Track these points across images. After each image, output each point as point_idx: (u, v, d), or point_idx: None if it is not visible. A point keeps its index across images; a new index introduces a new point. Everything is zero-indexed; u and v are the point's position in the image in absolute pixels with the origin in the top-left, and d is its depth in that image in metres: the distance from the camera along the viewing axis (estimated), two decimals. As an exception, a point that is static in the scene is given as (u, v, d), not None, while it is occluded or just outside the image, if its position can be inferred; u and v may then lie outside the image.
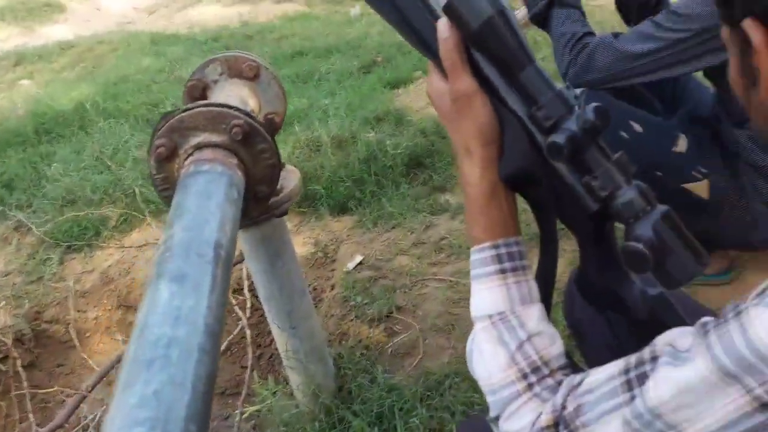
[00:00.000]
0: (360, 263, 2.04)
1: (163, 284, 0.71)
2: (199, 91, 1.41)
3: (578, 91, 1.46)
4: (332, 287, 2.03)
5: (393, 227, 2.15)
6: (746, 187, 1.32)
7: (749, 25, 0.53)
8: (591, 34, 1.39)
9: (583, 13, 1.44)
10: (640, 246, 0.53)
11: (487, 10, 0.58)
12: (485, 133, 0.63)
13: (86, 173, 2.57)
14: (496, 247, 0.64)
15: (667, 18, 1.25)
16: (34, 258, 2.28)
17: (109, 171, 2.57)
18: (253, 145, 1.10)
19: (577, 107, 0.57)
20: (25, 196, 2.51)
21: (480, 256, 0.65)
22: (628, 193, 0.55)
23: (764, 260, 1.63)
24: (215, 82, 1.42)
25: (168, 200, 1.07)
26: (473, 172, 0.64)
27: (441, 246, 2.00)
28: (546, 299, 0.65)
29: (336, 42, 3.78)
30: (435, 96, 0.67)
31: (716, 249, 1.53)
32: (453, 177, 2.32)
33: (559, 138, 0.55)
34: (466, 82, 0.62)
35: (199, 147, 1.08)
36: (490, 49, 0.60)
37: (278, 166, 1.15)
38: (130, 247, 2.27)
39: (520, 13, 3.56)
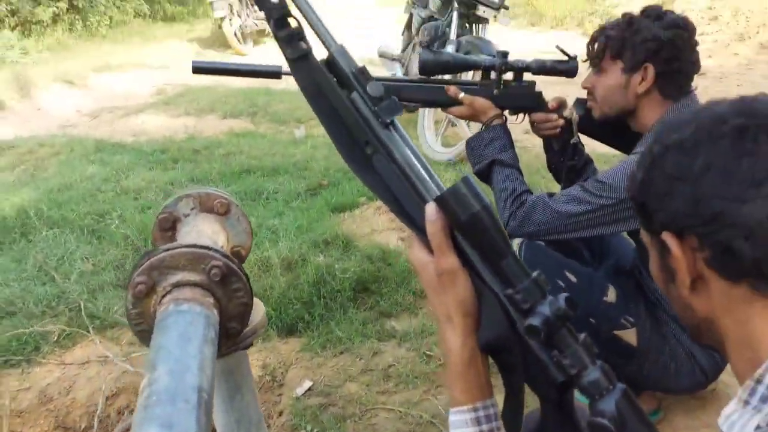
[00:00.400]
0: (309, 389, 2.09)
1: (153, 431, 0.79)
2: (169, 223, 1.49)
3: (517, 240, 1.65)
4: (280, 413, 2.05)
5: (341, 352, 2.23)
6: (668, 335, 1.51)
7: (667, 237, 0.68)
8: (528, 191, 1.60)
9: (520, 172, 1.65)
10: (605, 421, 0.64)
11: (474, 206, 0.69)
12: (467, 305, 0.73)
13: (28, 284, 2.54)
14: (475, 410, 0.74)
15: (594, 185, 1.46)
16: (-35, 373, 2.19)
17: (53, 283, 2.54)
18: (228, 285, 1.19)
19: (548, 294, 0.69)
20: (-40, 306, 2.44)
21: (460, 417, 0.74)
22: (593, 373, 0.66)
23: (689, 402, 1.80)
24: (186, 215, 1.51)
25: (141, 335, 1.14)
26: (455, 340, 0.73)
27: (389, 374, 2.09)
28: None
29: (282, 162, 3.96)
30: (418, 265, 0.77)
31: (644, 390, 1.69)
32: (399, 304, 2.45)
33: (535, 321, 0.66)
34: (450, 260, 0.72)
35: (177, 285, 1.16)
36: (474, 238, 0.71)
37: (250, 304, 1.24)
38: (72, 364, 2.23)
39: (455, 150, 3.87)
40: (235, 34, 8.51)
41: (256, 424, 1.53)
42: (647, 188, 0.70)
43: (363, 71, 0.75)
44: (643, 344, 1.49)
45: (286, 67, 1.63)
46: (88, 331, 2.31)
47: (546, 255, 1.59)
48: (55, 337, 2.31)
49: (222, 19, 8.13)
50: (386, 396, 2.01)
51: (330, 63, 0.77)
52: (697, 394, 1.80)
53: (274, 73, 1.61)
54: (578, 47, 1.71)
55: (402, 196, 0.76)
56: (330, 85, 0.76)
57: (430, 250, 0.74)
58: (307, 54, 0.78)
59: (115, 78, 7.23)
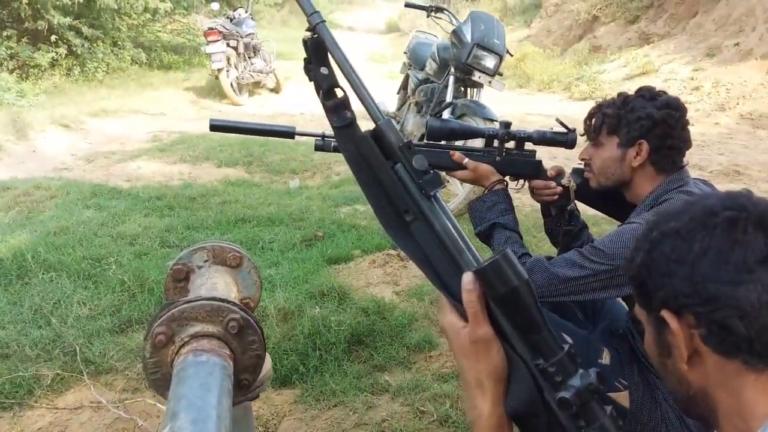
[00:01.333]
0: (303, 441, 2.10)
1: None
2: (183, 274, 1.54)
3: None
4: (273, 465, 2.06)
5: (335, 405, 2.25)
6: (659, 398, 1.56)
7: (666, 314, 0.74)
8: (528, 254, 1.67)
9: (520, 236, 1.73)
10: None
11: (514, 280, 0.72)
12: (498, 373, 0.76)
13: (24, 327, 2.54)
14: None
15: (591, 252, 1.54)
16: (-44, 415, 2.17)
17: (49, 326, 2.55)
18: (244, 337, 1.24)
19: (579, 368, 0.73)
20: (-46, 347, 2.43)
21: None
22: None
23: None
24: (199, 267, 1.57)
25: (156, 383, 1.17)
26: (485, 406, 0.77)
27: (383, 428, 2.11)
28: None
29: (278, 212, 4.02)
30: (451, 331, 0.80)
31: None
32: (393, 357, 2.48)
33: (567, 394, 0.70)
34: (485, 329, 0.76)
35: (196, 336, 1.21)
36: (511, 310, 0.74)
37: (263, 356, 1.28)
38: (65, 408, 2.22)
39: (453, 204, 3.96)
40: (232, 85, 8.69)
41: (256, 476, 1.55)
42: (647, 269, 0.76)
43: (409, 145, 0.81)
44: (636, 407, 1.54)
45: (299, 127, 1.71)
46: (83, 376, 2.32)
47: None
48: (49, 381, 2.30)
49: (219, 70, 8.32)
50: (380, 451, 2.03)
51: (376, 134, 0.82)
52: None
53: (289, 134, 1.69)
54: (565, 110, 1.82)
55: (438, 263, 0.80)
56: (374, 153, 0.82)
57: (462, 316, 0.78)
58: (352, 123, 0.84)
59: (110, 123, 7.32)
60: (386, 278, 3.14)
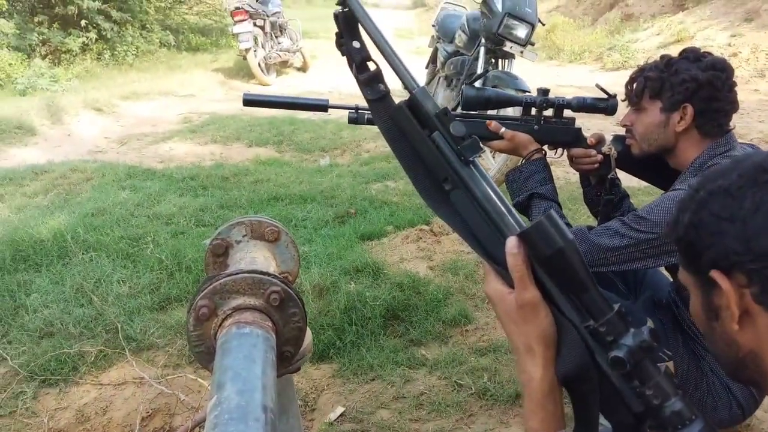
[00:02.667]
0: (341, 415, 2.11)
1: None
2: (222, 249, 1.55)
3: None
4: (314, 437, 2.08)
5: (373, 379, 2.26)
6: (705, 369, 1.53)
7: (715, 274, 0.71)
8: (568, 225, 1.64)
9: (559, 206, 1.70)
10: None
11: (559, 241, 0.70)
12: (547, 337, 0.75)
13: (67, 305, 2.60)
14: None
15: (634, 220, 1.50)
16: (6, 390, 2.24)
17: (90, 305, 2.60)
18: (285, 309, 1.24)
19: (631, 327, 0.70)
20: (1, 326, 2.50)
21: None
22: (677, 404, 0.68)
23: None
24: (238, 242, 1.58)
25: (200, 356, 1.18)
26: (535, 370, 0.75)
27: (421, 401, 2.12)
28: None
29: (310, 190, 4.03)
30: (496, 297, 0.78)
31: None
32: (429, 332, 2.48)
33: (620, 353, 0.68)
34: (532, 293, 0.74)
35: (238, 309, 1.21)
36: (557, 272, 0.72)
37: (305, 329, 1.28)
38: (108, 384, 2.27)
39: (492, 170, 3.92)
40: (259, 65, 8.69)
41: (299, 449, 1.56)
42: (695, 229, 0.73)
43: (446, 112, 0.79)
44: (681, 378, 1.51)
45: (332, 101, 1.69)
46: (125, 353, 2.36)
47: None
48: (93, 358, 2.36)
49: (247, 50, 8.31)
50: (419, 424, 2.03)
51: (412, 104, 0.81)
52: (732, 428, 1.80)
53: (322, 107, 1.68)
54: (598, 80, 1.76)
55: (480, 230, 0.79)
56: (411, 124, 0.80)
57: (507, 283, 0.77)
58: (386, 95, 0.82)
59: (142, 106, 7.40)
60: (420, 253, 3.13)
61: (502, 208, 0.77)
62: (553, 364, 0.76)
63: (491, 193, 0.78)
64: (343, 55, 0.84)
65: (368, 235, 3.32)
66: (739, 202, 0.69)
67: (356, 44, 0.82)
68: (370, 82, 0.83)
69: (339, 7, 0.82)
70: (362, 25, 0.81)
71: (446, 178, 0.80)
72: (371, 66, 0.83)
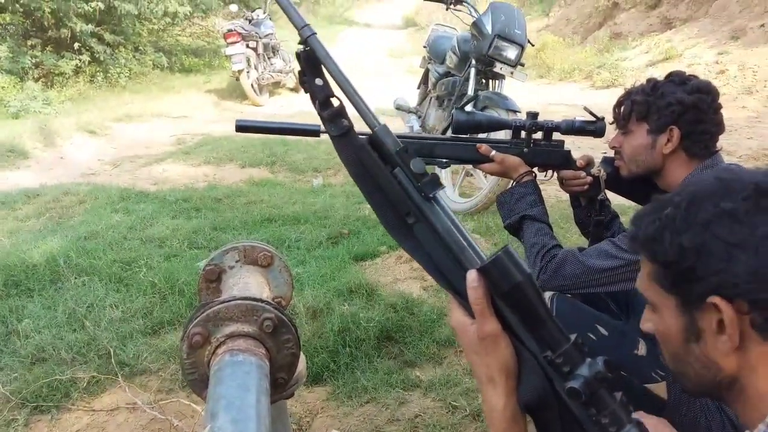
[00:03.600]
0: (336, 438, 2.10)
1: None
2: (215, 274, 1.56)
3: (548, 293, 1.70)
4: (308, 462, 2.07)
5: (367, 401, 2.25)
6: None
7: (718, 301, 0.72)
8: (559, 246, 1.66)
9: (550, 227, 1.71)
10: None
11: (517, 276, 0.73)
12: (509, 367, 0.77)
13: (59, 331, 2.58)
14: None
15: (624, 241, 1.52)
16: (-3, 418, 2.22)
17: (83, 330, 2.59)
18: (279, 336, 1.24)
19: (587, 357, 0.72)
20: (-8, 352, 2.48)
21: None
22: (632, 431, 0.70)
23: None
24: (231, 267, 1.58)
25: (193, 383, 1.18)
26: (498, 400, 0.77)
27: (416, 424, 2.11)
28: None
29: (303, 211, 4.04)
30: (459, 329, 0.81)
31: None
32: (423, 353, 2.48)
33: (576, 384, 0.70)
34: (492, 325, 0.76)
35: (231, 336, 1.21)
36: (516, 305, 0.75)
37: (298, 354, 1.29)
38: (101, 410, 2.25)
39: (473, 201, 3.95)
40: (252, 86, 8.74)
41: (293, 475, 1.56)
42: (698, 254, 0.74)
43: (406, 149, 0.81)
44: (674, 398, 1.52)
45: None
46: (118, 378, 2.35)
47: (578, 308, 1.63)
48: (85, 384, 2.34)
49: (240, 71, 8.37)
50: (414, 447, 2.02)
51: (373, 140, 0.83)
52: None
53: (314, 132, 1.69)
54: (587, 99, 1.78)
55: (442, 263, 0.81)
56: (372, 160, 0.83)
57: (470, 314, 0.78)
58: (349, 131, 0.85)
59: (135, 127, 7.42)
60: (413, 274, 3.14)
61: (463, 242, 0.79)
62: (514, 394, 0.78)
63: (452, 227, 0.80)
64: (306, 92, 0.86)
65: (361, 255, 3.32)
66: (750, 228, 0.70)
67: (319, 82, 0.84)
68: (334, 118, 0.85)
69: (301, 47, 0.84)
70: (324, 65, 0.83)
71: (408, 212, 0.82)
72: (334, 102, 0.85)
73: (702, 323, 0.75)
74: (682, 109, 1.48)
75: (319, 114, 0.86)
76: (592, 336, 1.58)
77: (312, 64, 0.84)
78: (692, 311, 0.76)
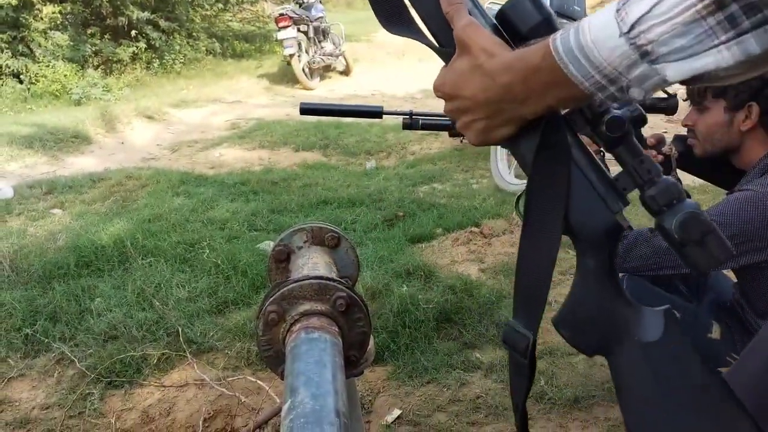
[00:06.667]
0: (398, 417, 2.13)
1: None
2: (284, 255, 1.59)
3: (620, 275, 1.67)
4: (371, 440, 2.11)
5: (428, 381, 2.27)
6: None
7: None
8: (630, 227, 1.62)
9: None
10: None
11: (536, 17, 0.67)
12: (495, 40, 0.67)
13: (129, 309, 2.69)
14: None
15: None
16: (74, 392, 2.33)
17: (152, 309, 2.69)
18: (351, 314, 1.26)
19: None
20: (68, 329, 2.60)
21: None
22: (665, 182, 0.64)
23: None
24: (299, 248, 1.61)
25: (269, 360, 1.21)
26: (505, 58, 0.64)
27: (478, 404, 2.12)
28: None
29: (357, 194, 4.07)
30: (448, 76, 0.69)
31: None
32: (482, 335, 2.48)
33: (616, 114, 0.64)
34: (467, 18, 0.68)
35: (305, 314, 1.24)
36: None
37: (369, 333, 1.31)
38: (171, 386, 2.34)
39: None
40: (303, 70, 8.80)
41: (362, 451, 1.59)
42: None
43: None
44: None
45: (374, 103, 1.71)
46: (186, 355, 2.43)
47: (650, 290, 1.60)
48: (155, 361, 2.43)
49: (291, 56, 8.43)
50: (476, 427, 2.03)
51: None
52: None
53: (377, 113, 1.70)
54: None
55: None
56: None
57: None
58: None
59: (191, 113, 7.58)
60: (470, 256, 3.13)
61: None
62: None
63: None
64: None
65: (417, 237, 3.33)
66: None
67: None
68: None
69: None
70: None
71: None
72: None
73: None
74: (761, 84, 1.43)
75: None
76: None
77: None
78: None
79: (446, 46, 0.72)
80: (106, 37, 9.58)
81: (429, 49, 0.76)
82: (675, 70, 0.53)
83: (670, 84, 0.56)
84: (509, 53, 0.64)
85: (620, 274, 1.62)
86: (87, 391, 2.32)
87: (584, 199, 0.67)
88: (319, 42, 9.26)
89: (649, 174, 0.64)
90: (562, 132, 0.66)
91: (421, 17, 0.75)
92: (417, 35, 0.76)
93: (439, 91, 0.72)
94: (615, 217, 0.68)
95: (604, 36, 0.55)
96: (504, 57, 0.64)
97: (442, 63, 0.75)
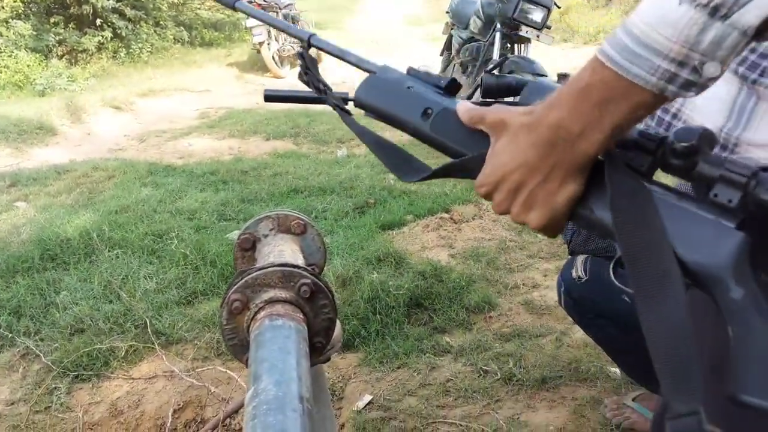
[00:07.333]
0: (369, 403, 2.14)
1: None
2: (250, 243, 1.57)
3: (581, 257, 1.69)
4: (342, 426, 2.11)
5: (399, 367, 2.28)
6: None
7: None
8: None
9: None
10: None
11: None
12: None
13: (96, 302, 2.65)
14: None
15: None
16: (40, 386, 2.29)
17: (119, 301, 2.65)
18: (316, 301, 1.26)
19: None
20: (33, 324, 2.55)
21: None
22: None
23: None
24: (265, 236, 1.60)
25: (234, 348, 1.21)
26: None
27: (447, 388, 2.14)
28: None
29: (329, 182, 4.05)
30: (488, 166, 0.63)
31: None
32: (452, 319, 2.50)
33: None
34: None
35: (270, 302, 1.24)
36: None
37: (335, 320, 1.31)
38: (140, 378, 2.32)
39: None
40: (273, 58, 8.71)
41: (332, 438, 1.60)
42: None
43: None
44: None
45: (348, 92, 1.72)
46: (155, 347, 2.41)
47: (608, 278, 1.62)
48: (123, 353, 2.40)
49: (261, 44, 8.34)
50: (446, 410, 2.05)
51: None
52: None
53: (344, 101, 1.69)
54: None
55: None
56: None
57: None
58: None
59: (159, 102, 7.47)
60: (441, 242, 3.14)
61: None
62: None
63: None
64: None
65: (388, 224, 3.33)
66: None
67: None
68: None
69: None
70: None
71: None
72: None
73: None
74: None
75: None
76: (626, 299, 1.57)
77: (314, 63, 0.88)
78: None
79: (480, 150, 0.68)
80: (70, 26, 9.36)
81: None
82: (757, 8, 0.46)
83: (749, 37, 0.49)
84: (548, 98, 0.58)
85: (582, 257, 1.64)
86: (53, 386, 2.29)
87: (692, 231, 0.56)
88: (289, 30, 9.16)
89: (746, 170, 0.54)
90: (628, 171, 0.58)
91: (445, 148, 0.74)
92: (432, 173, 0.75)
93: (483, 186, 0.64)
94: (737, 231, 0.55)
95: (660, 14, 0.50)
96: (543, 103, 0.58)
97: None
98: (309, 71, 0.88)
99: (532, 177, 0.59)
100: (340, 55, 0.86)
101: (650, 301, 0.53)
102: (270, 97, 1.67)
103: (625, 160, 0.59)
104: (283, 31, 0.97)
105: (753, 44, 0.66)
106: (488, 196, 0.65)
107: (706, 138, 0.56)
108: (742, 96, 0.71)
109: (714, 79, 0.52)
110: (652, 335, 0.53)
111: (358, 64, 0.84)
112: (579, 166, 0.58)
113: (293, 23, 9.22)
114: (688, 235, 0.55)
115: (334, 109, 0.90)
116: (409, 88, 0.79)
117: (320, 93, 0.89)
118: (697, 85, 0.52)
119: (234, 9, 1.17)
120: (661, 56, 0.50)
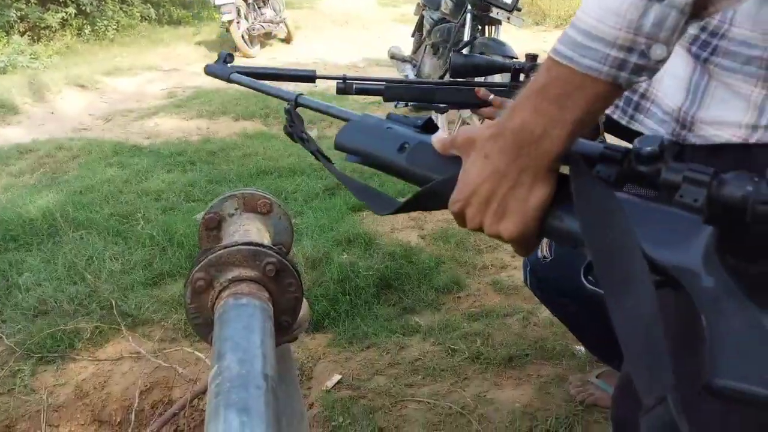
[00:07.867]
0: (338, 382, 2.15)
1: (232, 415, 0.86)
2: (215, 222, 1.56)
3: (545, 240, 1.71)
4: (311, 406, 2.12)
5: (368, 347, 2.29)
6: None
7: None
8: None
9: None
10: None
11: None
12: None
13: (60, 283, 2.60)
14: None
15: None
16: (3, 369, 2.25)
17: (84, 282, 2.61)
18: (281, 280, 1.26)
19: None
20: (-6, 305, 2.50)
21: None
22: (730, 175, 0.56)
23: None
24: (231, 215, 1.58)
25: (198, 328, 1.20)
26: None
27: (416, 367, 2.16)
28: None
29: (298, 163, 4.02)
30: (460, 182, 0.65)
31: None
32: (421, 300, 2.52)
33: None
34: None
35: (234, 280, 1.23)
36: None
37: (301, 299, 1.30)
38: (106, 360, 2.29)
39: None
40: (243, 37, 8.57)
41: (299, 417, 1.60)
42: None
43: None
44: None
45: (318, 72, 1.69)
46: (121, 328, 2.38)
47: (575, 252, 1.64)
48: (88, 334, 2.37)
49: (230, 22, 8.19)
50: (414, 388, 2.07)
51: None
52: None
53: (309, 78, 1.66)
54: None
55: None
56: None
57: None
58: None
59: (125, 81, 7.30)
60: (411, 223, 3.15)
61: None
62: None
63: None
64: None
65: (359, 206, 3.32)
66: None
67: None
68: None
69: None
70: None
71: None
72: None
73: None
74: None
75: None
76: (590, 280, 1.60)
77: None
78: None
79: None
80: (32, 1, 9.07)
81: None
82: None
83: (688, 15, 0.51)
84: (510, 105, 0.60)
85: (546, 240, 1.66)
86: (16, 368, 2.25)
87: (661, 230, 0.57)
88: (259, 8, 9.01)
89: (708, 170, 0.55)
90: (594, 178, 0.59)
91: (424, 179, 0.75)
92: (403, 203, 0.78)
93: (456, 202, 0.65)
94: (704, 225, 0.55)
95: (604, 5, 0.52)
96: (506, 111, 0.60)
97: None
98: (294, 124, 1.01)
99: (501, 184, 0.61)
100: (326, 110, 0.97)
101: (620, 301, 0.54)
102: (236, 81, 1.64)
103: (593, 173, 0.61)
104: (273, 95, 1.06)
105: (703, 23, 0.68)
106: (461, 213, 0.66)
107: (668, 147, 0.58)
108: (696, 75, 0.73)
109: (662, 61, 0.54)
110: (623, 334, 0.54)
111: (339, 115, 0.91)
112: (546, 167, 0.59)
113: (264, 2, 9.09)
114: (657, 234, 0.57)
115: (316, 158, 0.99)
116: (387, 128, 0.82)
117: (303, 143, 0.99)
118: (647, 68, 0.54)
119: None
120: (609, 45, 0.53)
